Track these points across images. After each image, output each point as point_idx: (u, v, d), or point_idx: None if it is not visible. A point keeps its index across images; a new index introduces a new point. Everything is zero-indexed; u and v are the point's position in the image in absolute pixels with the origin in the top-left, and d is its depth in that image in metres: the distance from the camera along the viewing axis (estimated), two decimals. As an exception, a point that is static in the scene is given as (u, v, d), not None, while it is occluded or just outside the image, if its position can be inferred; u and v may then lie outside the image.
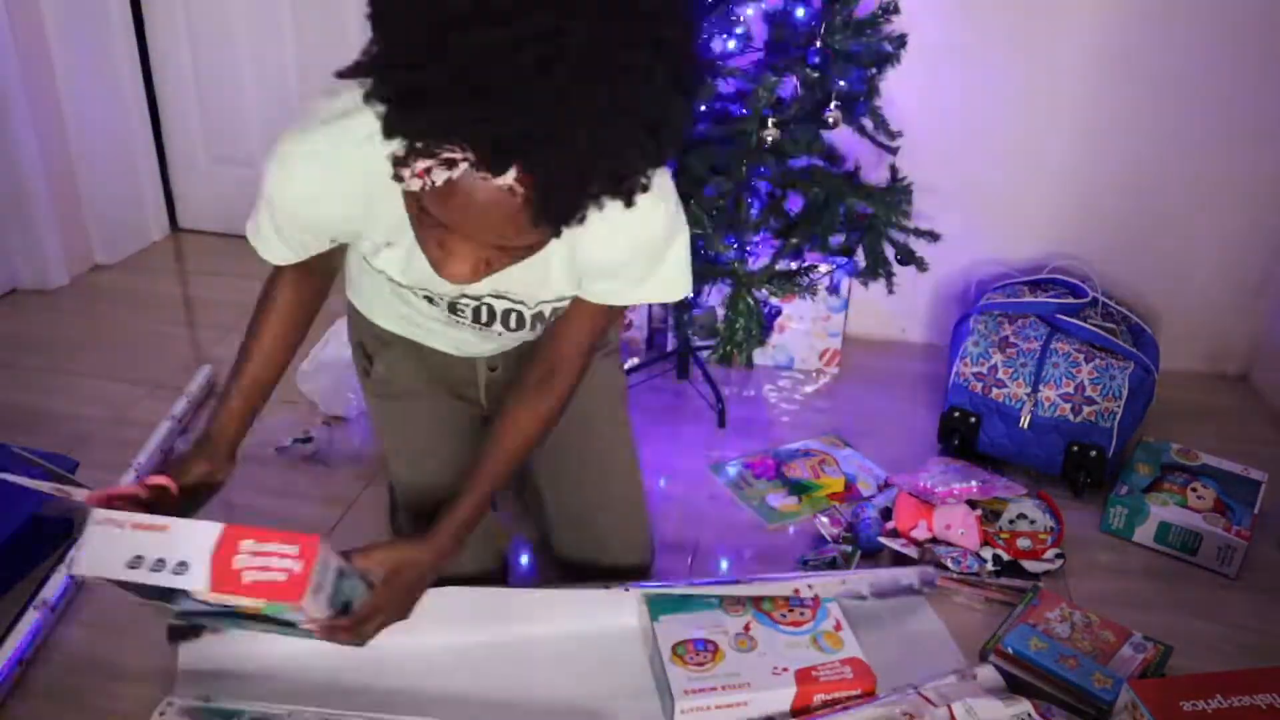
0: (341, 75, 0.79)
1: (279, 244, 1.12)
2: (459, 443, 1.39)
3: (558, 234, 0.85)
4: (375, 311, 1.34)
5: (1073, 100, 2.16)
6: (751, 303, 1.85)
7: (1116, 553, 1.72)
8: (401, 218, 0.92)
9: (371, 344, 1.39)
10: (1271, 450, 2.01)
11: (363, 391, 1.47)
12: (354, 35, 2.55)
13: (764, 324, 2.06)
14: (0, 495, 1.54)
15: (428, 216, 0.85)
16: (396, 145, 0.77)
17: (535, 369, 1.22)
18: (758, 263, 1.91)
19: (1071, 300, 1.98)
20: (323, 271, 1.23)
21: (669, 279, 1.13)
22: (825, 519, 1.74)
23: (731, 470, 1.91)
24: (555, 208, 0.79)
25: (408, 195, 0.86)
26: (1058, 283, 2.07)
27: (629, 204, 0.82)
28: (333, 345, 2.11)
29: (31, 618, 1.41)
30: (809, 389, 2.24)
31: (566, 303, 1.17)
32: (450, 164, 0.76)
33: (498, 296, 1.15)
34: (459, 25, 0.70)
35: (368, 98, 0.77)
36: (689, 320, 2.12)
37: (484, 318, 1.19)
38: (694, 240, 1.89)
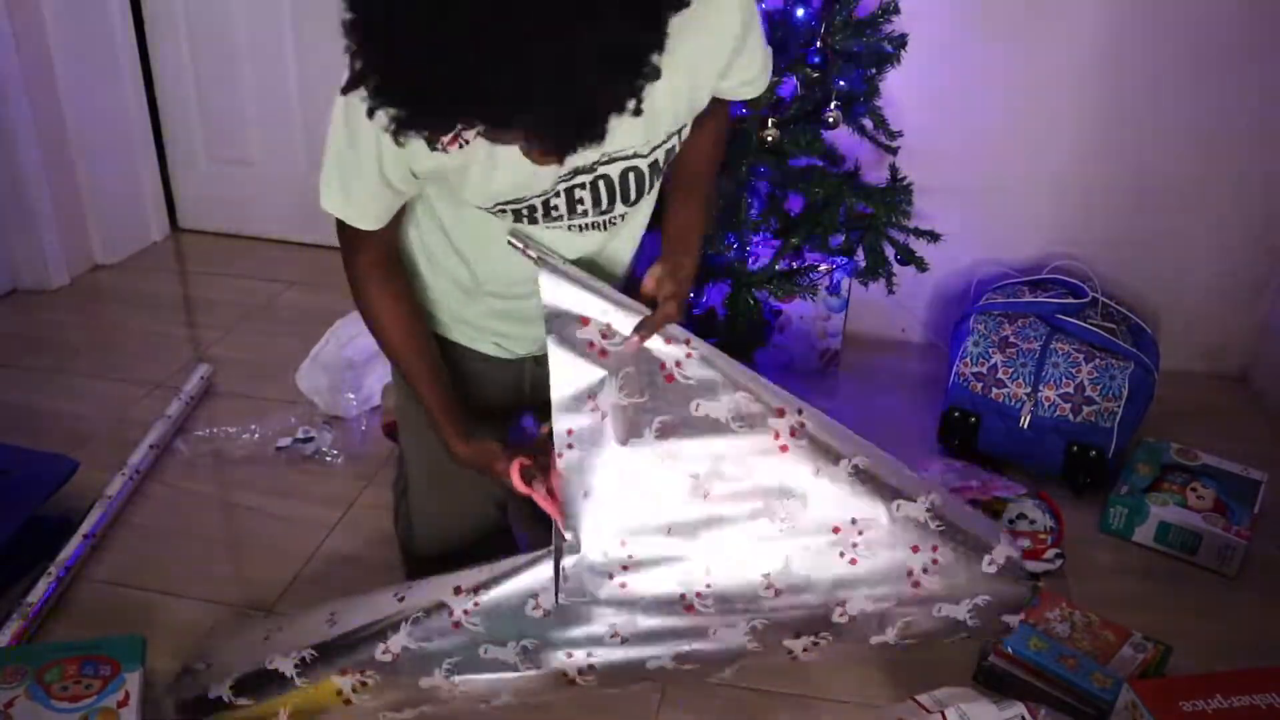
0: (345, 92, 0.89)
1: (368, 201, 1.14)
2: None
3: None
4: (438, 313, 1.36)
5: (1073, 100, 2.16)
6: (751, 303, 1.85)
7: (1116, 553, 1.72)
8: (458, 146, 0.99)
9: None
10: (1271, 450, 2.01)
11: (396, 392, 1.47)
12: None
13: (764, 324, 2.07)
14: None
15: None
16: (414, 134, 0.84)
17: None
18: (758, 263, 1.91)
19: (1071, 300, 1.98)
20: (401, 272, 1.27)
21: (764, 53, 1.17)
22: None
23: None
24: (569, 143, 0.86)
25: None
26: (1058, 283, 2.07)
27: (655, 76, 0.84)
28: (332, 345, 2.11)
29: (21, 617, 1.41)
30: (809, 389, 2.24)
31: (679, 139, 1.15)
32: (469, 126, 0.84)
33: (610, 160, 1.11)
34: (438, 46, 0.78)
35: (370, 112, 0.84)
36: (689, 320, 2.12)
37: (604, 200, 1.15)
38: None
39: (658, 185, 1.21)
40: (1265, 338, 2.25)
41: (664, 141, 1.13)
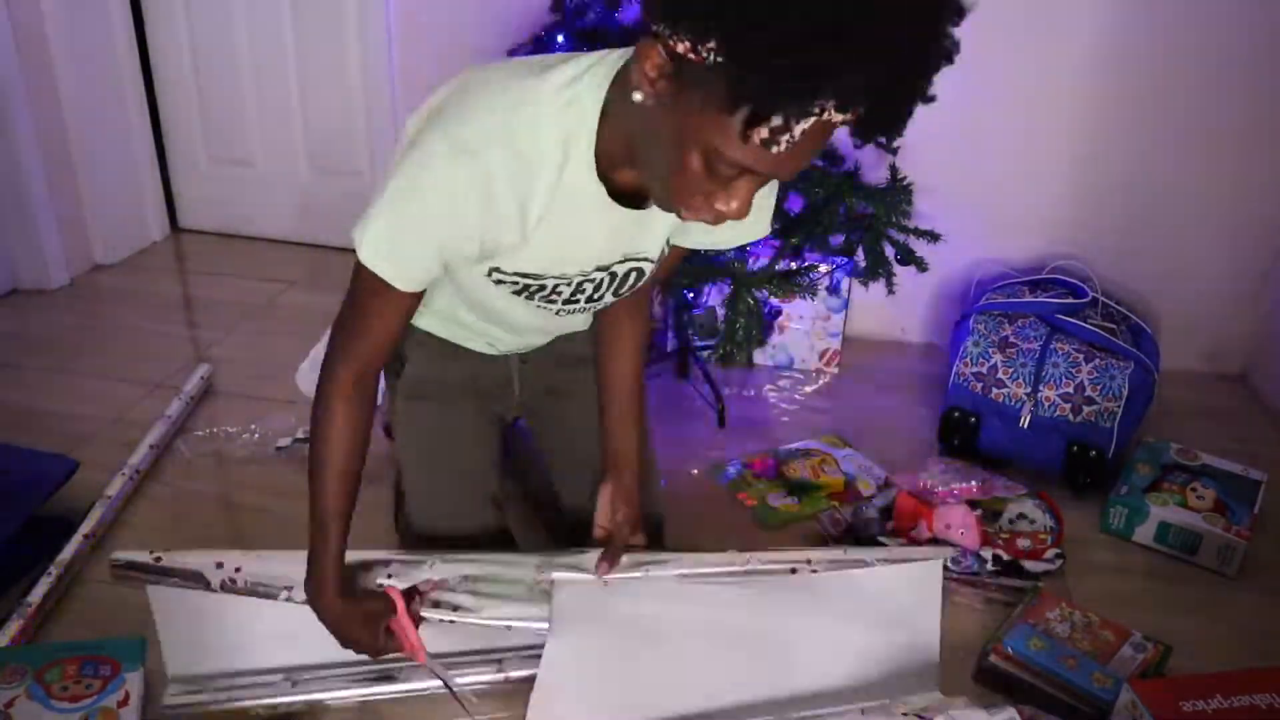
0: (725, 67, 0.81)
1: (415, 266, 1.06)
2: (482, 450, 1.40)
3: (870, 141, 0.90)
4: (421, 317, 1.34)
5: (1073, 100, 2.16)
6: (751, 303, 1.85)
7: (1116, 553, 1.72)
8: (522, 215, 1.02)
9: (406, 344, 1.39)
10: (1271, 450, 2.01)
11: (389, 395, 1.44)
12: (353, 35, 2.56)
13: (764, 324, 2.07)
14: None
15: (713, 174, 0.88)
16: (745, 121, 0.81)
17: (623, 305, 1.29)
18: (758, 263, 1.91)
19: (1071, 300, 1.98)
20: (370, 402, 1.18)
21: (764, 215, 1.19)
22: (825, 519, 1.74)
23: (731, 470, 1.91)
24: (884, 126, 0.88)
25: (689, 153, 0.87)
26: (1058, 283, 2.07)
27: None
28: (333, 345, 2.11)
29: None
30: (809, 389, 2.24)
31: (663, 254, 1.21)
32: (809, 115, 0.81)
33: (625, 260, 1.16)
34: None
35: (735, 92, 0.80)
36: (689, 320, 2.12)
37: (603, 290, 1.19)
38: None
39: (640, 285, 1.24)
40: (1265, 338, 2.25)
41: (664, 247, 1.20)
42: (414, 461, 1.44)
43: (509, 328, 1.32)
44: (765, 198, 1.14)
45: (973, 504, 1.70)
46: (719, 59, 0.80)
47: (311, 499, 1.16)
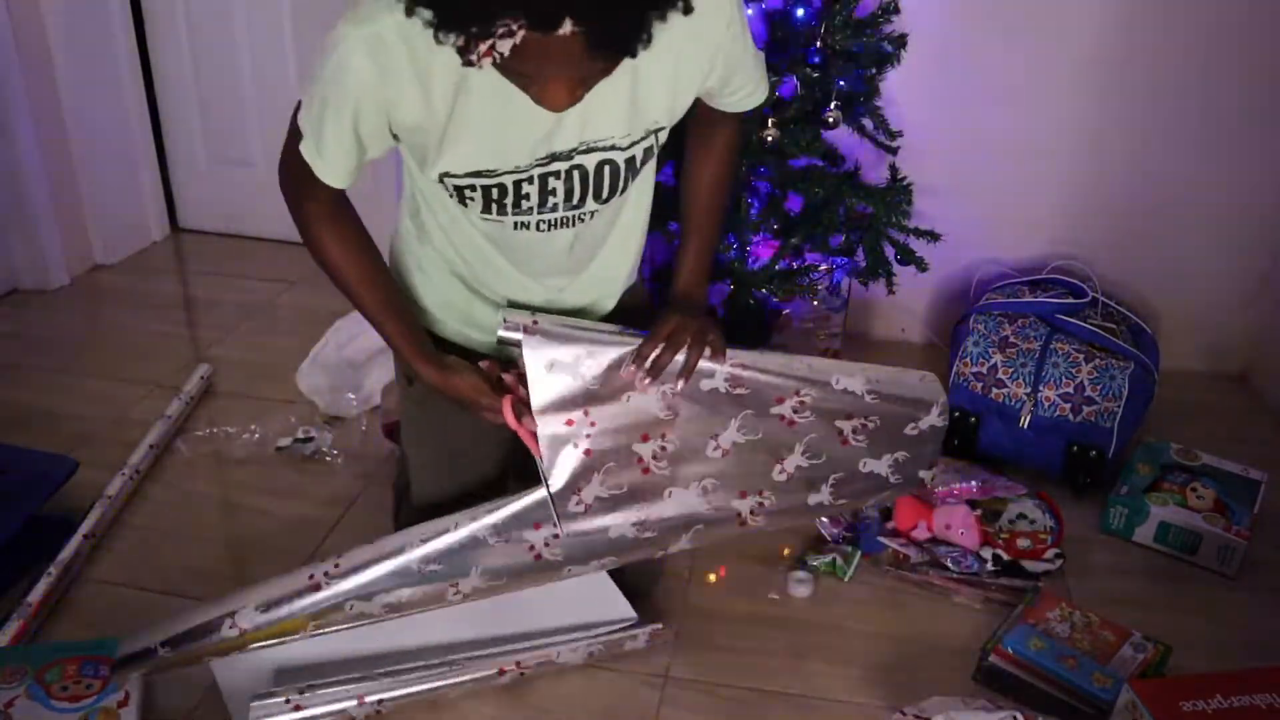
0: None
1: (339, 155, 1.12)
2: (494, 448, 1.39)
3: (632, 54, 0.88)
4: (436, 291, 1.33)
5: (1073, 100, 2.16)
6: (751, 303, 1.85)
7: (1116, 553, 1.72)
8: (424, 85, 1.02)
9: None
10: (1271, 450, 2.01)
11: (401, 400, 1.45)
12: (354, 35, 2.56)
13: (764, 324, 2.07)
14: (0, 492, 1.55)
15: (511, 72, 0.91)
16: (454, 38, 0.84)
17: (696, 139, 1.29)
18: (758, 263, 1.91)
19: (1071, 300, 1.98)
20: (349, 211, 1.26)
21: (756, 58, 1.20)
22: (825, 519, 1.74)
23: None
24: (615, 41, 0.86)
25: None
26: (1058, 283, 2.07)
27: (688, 10, 0.88)
28: (332, 345, 2.12)
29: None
30: (809, 389, 2.23)
31: (657, 142, 1.16)
32: (510, 34, 0.82)
33: (589, 150, 1.11)
34: None
35: (408, 9, 0.85)
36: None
37: (576, 193, 1.14)
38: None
39: (633, 189, 1.20)
40: (1265, 338, 2.25)
41: (642, 138, 1.13)
42: (425, 468, 1.44)
43: (508, 277, 1.26)
44: (756, 59, 1.20)
45: (973, 504, 1.71)
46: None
47: (359, 309, 1.25)
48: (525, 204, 1.13)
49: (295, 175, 1.21)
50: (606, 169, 1.13)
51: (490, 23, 0.82)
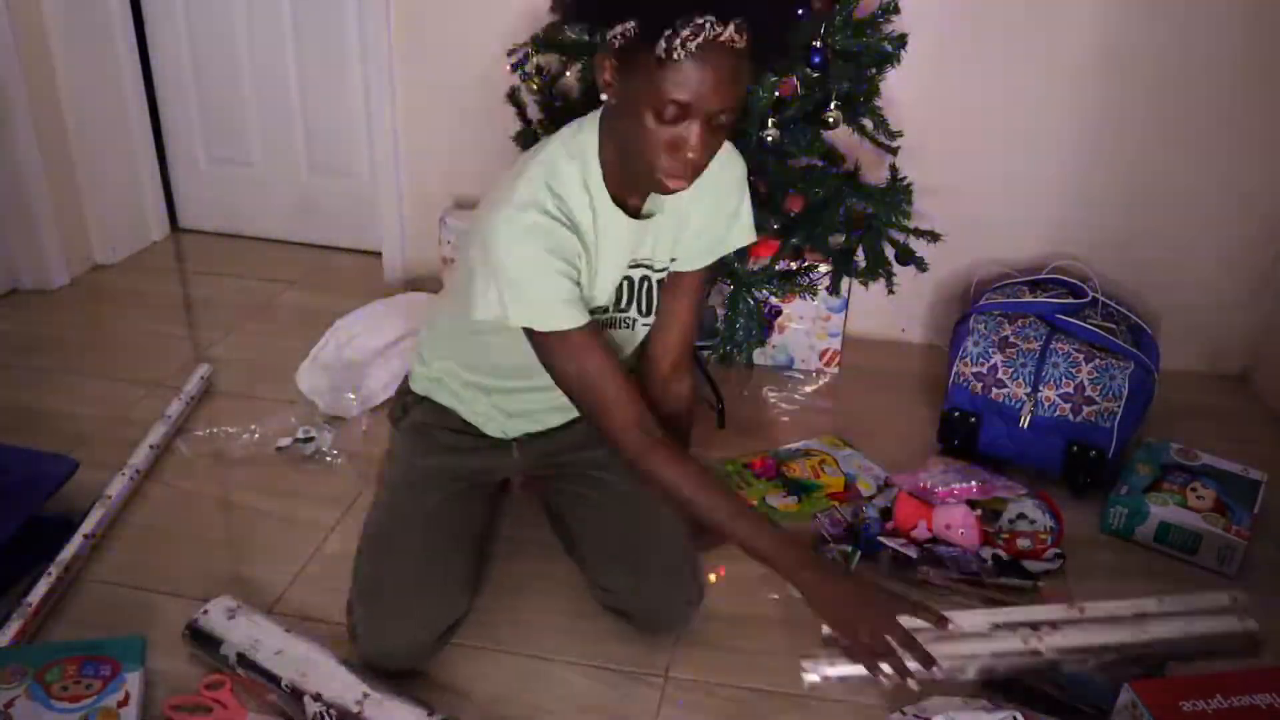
0: (601, 17, 1.16)
1: (568, 302, 1.24)
2: (451, 516, 1.43)
3: (751, 77, 1.17)
4: (463, 407, 1.50)
5: (1073, 100, 2.16)
6: (751, 303, 1.85)
7: (1116, 553, 1.72)
8: (584, 243, 1.27)
9: (418, 398, 1.53)
10: (1271, 450, 2.01)
11: (391, 432, 1.59)
12: (353, 35, 2.56)
13: (764, 324, 2.07)
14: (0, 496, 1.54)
15: (664, 121, 1.13)
16: (660, 43, 1.08)
17: (657, 366, 1.48)
18: (758, 263, 1.91)
19: (1071, 300, 1.98)
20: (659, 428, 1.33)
21: (746, 221, 1.43)
22: (825, 519, 1.74)
23: (731, 470, 1.91)
24: (766, 46, 1.14)
25: (642, 112, 1.13)
26: (1058, 283, 2.07)
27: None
28: (332, 345, 2.11)
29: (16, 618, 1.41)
30: (809, 389, 2.24)
31: (669, 267, 1.41)
32: (698, 30, 1.07)
33: (636, 266, 1.36)
34: None
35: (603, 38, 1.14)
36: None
37: (624, 298, 1.38)
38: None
39: (651, 317, 1.42)
40: (1265, 338, 2.25)
41: (666, 265, 1.40)
42: (381, 508, 1.48)
43: (510, 389, 1.45)
44: (742, 202, 1.41)
45: (973, 504, 1.71)
46: (629, 23, 1.11)
47: (723, 524, 1.27)
48: (616, 303, 1.38)
49: (583, 397, 1.31)
50: (644, 283, 1.39)
51: (688, 18, 1.07)
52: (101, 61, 2.60)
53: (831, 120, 1.83)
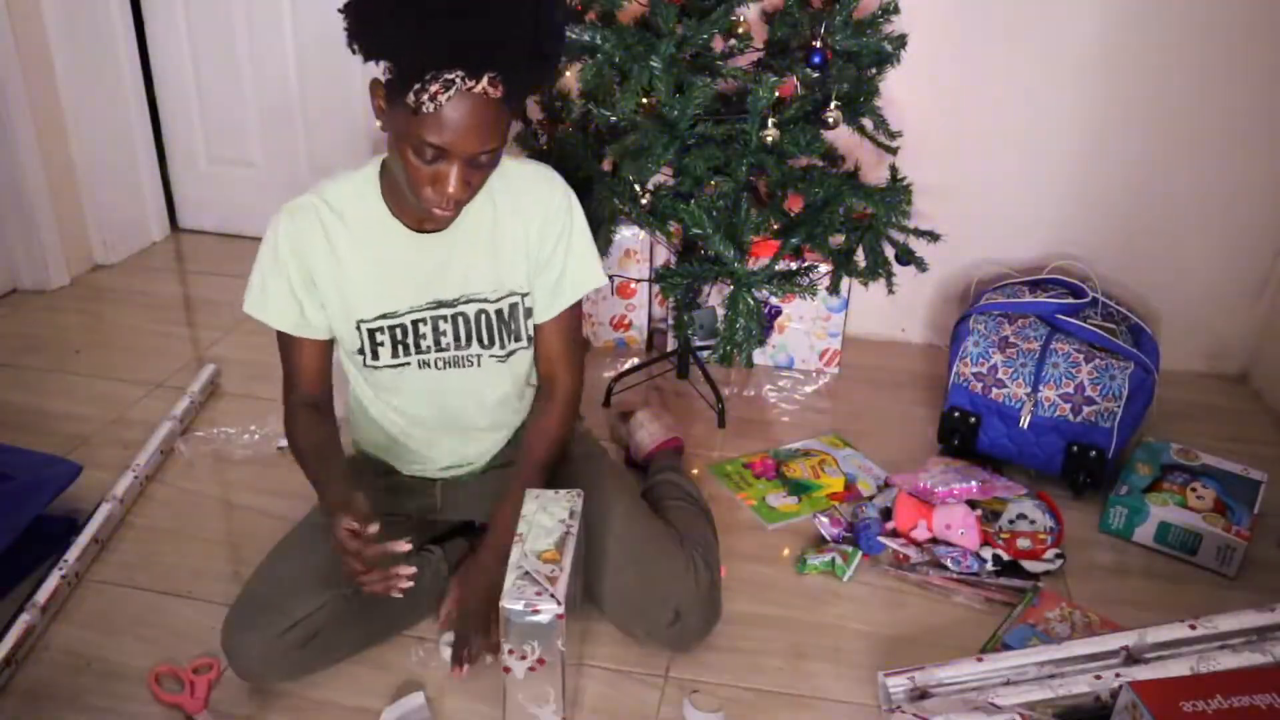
0: (365, 56, 1.17)
1: (282, 303, 1.36)
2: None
3: (512, 116, 1.19)
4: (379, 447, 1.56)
5: (1073, 100, 2.16)
6: (751, 303, 1.85)
7: (1116, 553, 1.72)
8: (330, 242, 1.35)
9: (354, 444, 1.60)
10: (1271, 450, 2.01)
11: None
12: (354, 35, 2.55)
13: (764, 324, 2.06)
14: (4, 496, 1.55)
15: (425, 161, 1.16)
16: (410, 95, 1.11)
17: (534, 405, 1.51)
18: (758, 263, 1.91)
19: (1071, 300, 1.98)
20: (324, 413, 1.47)
21: (584, 256, 1.42)
22: (825, 519, 1.74)
23: (731, 470, 1.91)
24: (523, 91, 1.19)
25: (404, 148, 1.17)
26: (1058, 283, 2.07)
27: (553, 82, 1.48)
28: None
29: (23, 619, 1.41)
30: (809, 389, 2.24)
31: (520, 299, 1.41)
32: (449, 84, 1.10)
33: (468, 301, 1.38)
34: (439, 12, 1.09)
35: (388, 84, 1.16)
36: (689, 320, 2.12)
37: (462, 337, 1.40)
38: (694, 240, 1.89)
39: (513, 347, 1.43)
40: (1265, 338, 2.25)
41: (507, 295, 1.40)
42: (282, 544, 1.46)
43: (417, 419, 1.47)
44: (587, 246, 1.42)
45: (973, 504, 1.71)
46: (390, 63, 1.14)
47: (314, 485, 1.38)
48: (423, 343, 1.39)
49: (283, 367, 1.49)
50: (483, 318, 1.40)
51: (439, 71, 1.10)
52: (101, 61, 2.60)
53: (831, 120, 1.83)
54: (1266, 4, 2.00)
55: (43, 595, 1.46)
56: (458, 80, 1.10)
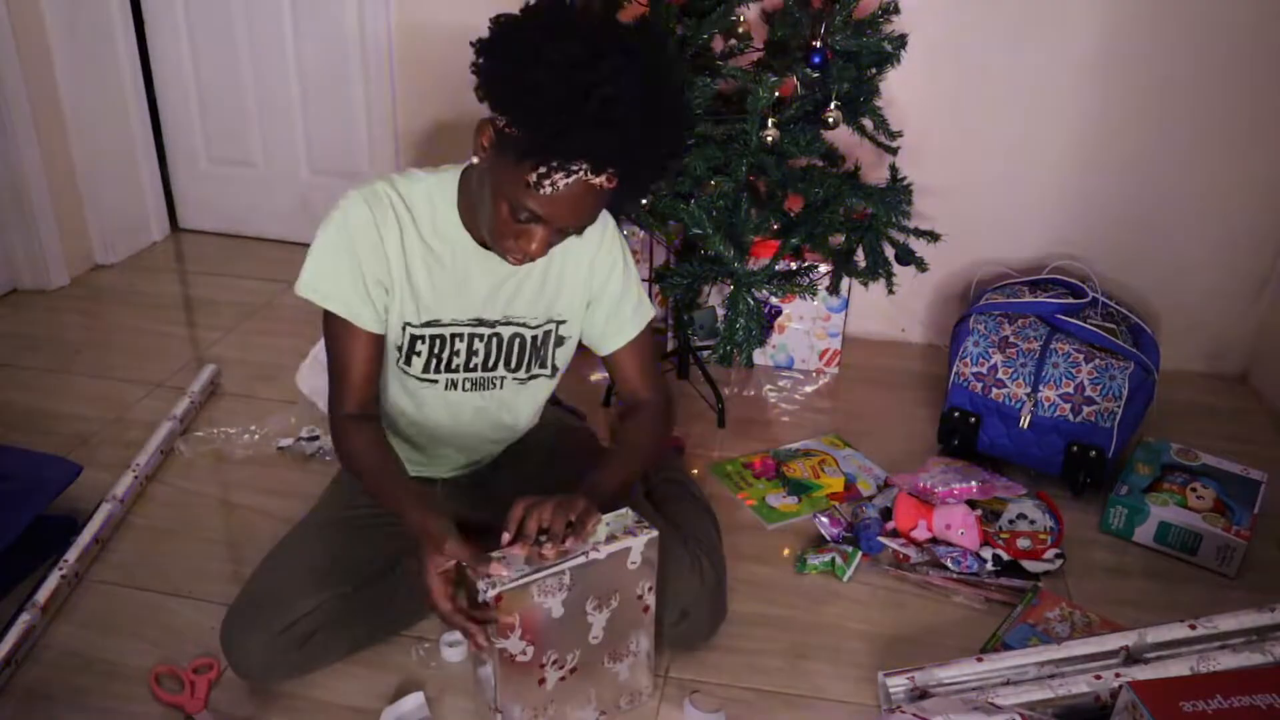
0: (492, 109, 1.16)
1: (352, 294, 1.29)
2: (343, 566, 1.38)
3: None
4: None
5: (1072, 100, 2.16)
6: (751, 303, 1.85)
7: (1116, 553, 1.72)
8: (403, 250, 1.30)
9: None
10: (1271, 450, 2.01)
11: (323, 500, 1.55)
12: (352, 36, 2.56)
13: (764, 324, 2.07)
14: (4, 496, 1.55)
15: (517, 220, 1.17)
16: (530, 170, 1.12)
17: (623, 413, 1.47)
18: (758, 263, 1.91)
19: (1071, 300, 1.98)
20: (376, 422, 1.39)
21: (639, 293, 1.45)
22: (825, 519, 1.74)
23: (731, 470, 1.91)
24: (633, 193, 1.22)
25: (501, 201, 1.17)
26: (1058, 283, 2.07)
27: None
28: (333, 345, 2.11)
29: (23, 619, 1.41)
30: (809, 389, 2.24)
31: (556, 327, 1.41)
32: (571, 173, 1.12)
33: (508, 323, 1.38)
34: (587, 92, 1.08)
35: (495, 145, 1.16)
36: (689, 320, 2.12)
37: (492, 357, 1.39)
38: (694, 240, 1.89)
39: (536, 373, 1.43)
40: (1265, 338, 2.25)
41: (546, 323, 1.40)
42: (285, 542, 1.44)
43: (428, 426, 1.45)
44: (635, 284, 1.44)
45: (973, 504, 1.71)
46: (518, 130, 1.11)
47: (384, 503, 1.30)
48: (455, 360, 1.38)
49: (331, 373, 1.38)
50: (517, 341, 1.40)
51: (570, 161, 1.11)
52: (101, 61, 2.61)
53: (831, 120, 1.83)
54: (1266, 4, 2.00)
55: (43, 595, 1.46)
56: (581, 172, 1.12)
